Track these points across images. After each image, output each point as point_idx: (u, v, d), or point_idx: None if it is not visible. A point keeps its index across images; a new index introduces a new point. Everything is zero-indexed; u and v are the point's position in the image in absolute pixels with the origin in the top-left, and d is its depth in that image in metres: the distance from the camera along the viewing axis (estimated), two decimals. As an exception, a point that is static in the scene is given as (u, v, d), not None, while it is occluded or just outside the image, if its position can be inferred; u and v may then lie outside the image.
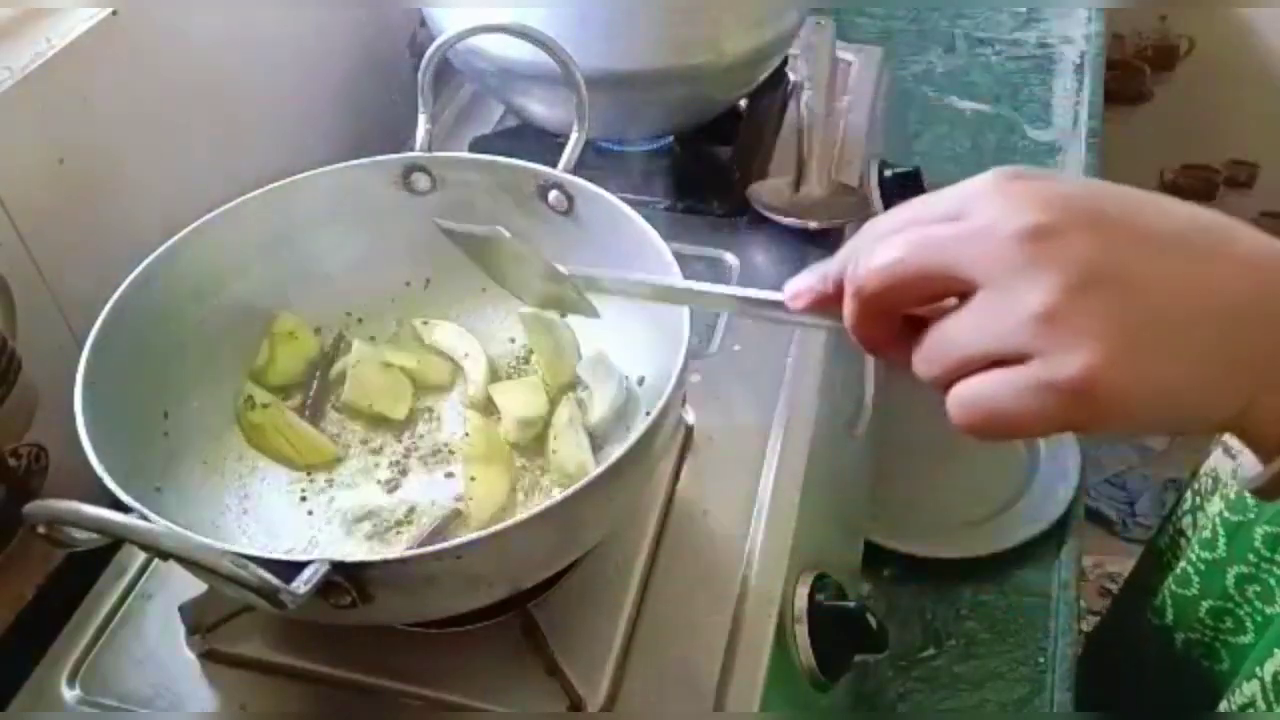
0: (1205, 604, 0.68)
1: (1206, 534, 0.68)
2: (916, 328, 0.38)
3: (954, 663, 0.76)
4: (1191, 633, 0.70)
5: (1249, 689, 0.62)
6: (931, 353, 0.37)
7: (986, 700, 0.74)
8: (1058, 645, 0.77)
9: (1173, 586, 0.72)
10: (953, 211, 0.37)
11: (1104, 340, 0.33)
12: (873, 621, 0.59)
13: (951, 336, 0.36)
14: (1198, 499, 0.75)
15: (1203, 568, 0.69)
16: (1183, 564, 0.71)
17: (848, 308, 0.39)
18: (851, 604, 0.60)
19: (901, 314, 0.39)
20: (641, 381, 0.60)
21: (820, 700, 0.60)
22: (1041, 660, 0.76)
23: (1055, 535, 0.83)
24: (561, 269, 0.52)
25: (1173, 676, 0.72)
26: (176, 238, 0.57)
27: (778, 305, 0.43)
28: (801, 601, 0.58)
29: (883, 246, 0.38)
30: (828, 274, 0.41)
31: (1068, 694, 0.74)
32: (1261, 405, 0.35)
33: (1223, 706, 0.65)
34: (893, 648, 0.61)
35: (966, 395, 0.36)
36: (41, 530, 0.42)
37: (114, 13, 0.63)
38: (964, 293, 0.36)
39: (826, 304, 0.41)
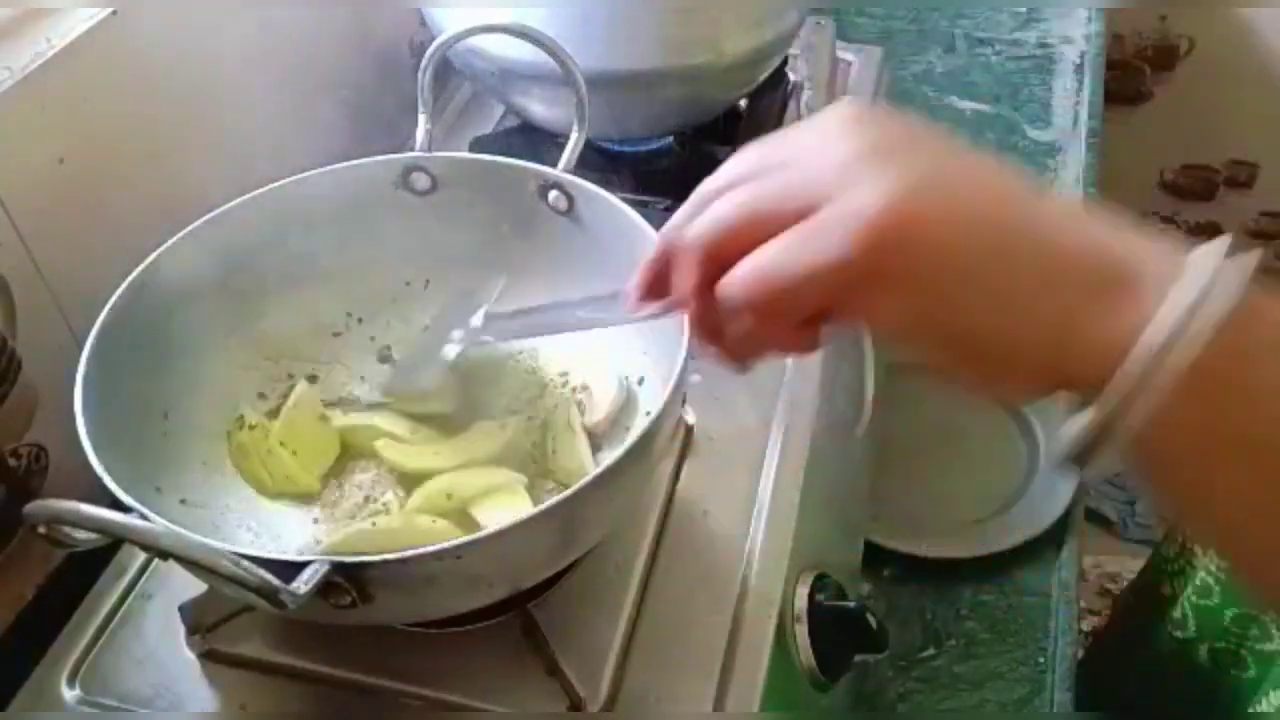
0: (1230, 612, 0.68)
1: None
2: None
3: (954, 663, 0.76)
4: (1217, 641, 0.70)
5: (1276, 697, 0.61)
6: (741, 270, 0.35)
7: (986, 700, 0.74)
8: (1058, 645, 0.77)
9: (1193, 597, 0.71)
10: (782, 162, 0.36)
11: (906, 177, 0.32)
12: (873, 621, 0.59)
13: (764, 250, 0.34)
14: None
15: (1224, 576, 0.68)
16: (1201, 574, 0.70)
17: (681, 280, 0.37)
18: (851, 604, 0.60)
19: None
20: (641, 381, 0.60)
21: (820, 700, 0.60)
22: (1041, 660, 0.76)
23: (1055, 535, 0.83)
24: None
25: (1194, 688, 0.72)
26: (176, 238, 0.57)
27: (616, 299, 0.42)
28: (801, 601, 0.58)
29: (722, 203, 0.37)
30: (654, 257, 0.40)
31: (1068, 694, 0.74)
32: (1078, 336, 0.32)
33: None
34: (893, 648, 0.61)
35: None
36: (41, 530, 0.42)
37: (114, 13, 0.63)
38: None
39: (662, 290, 0.39)
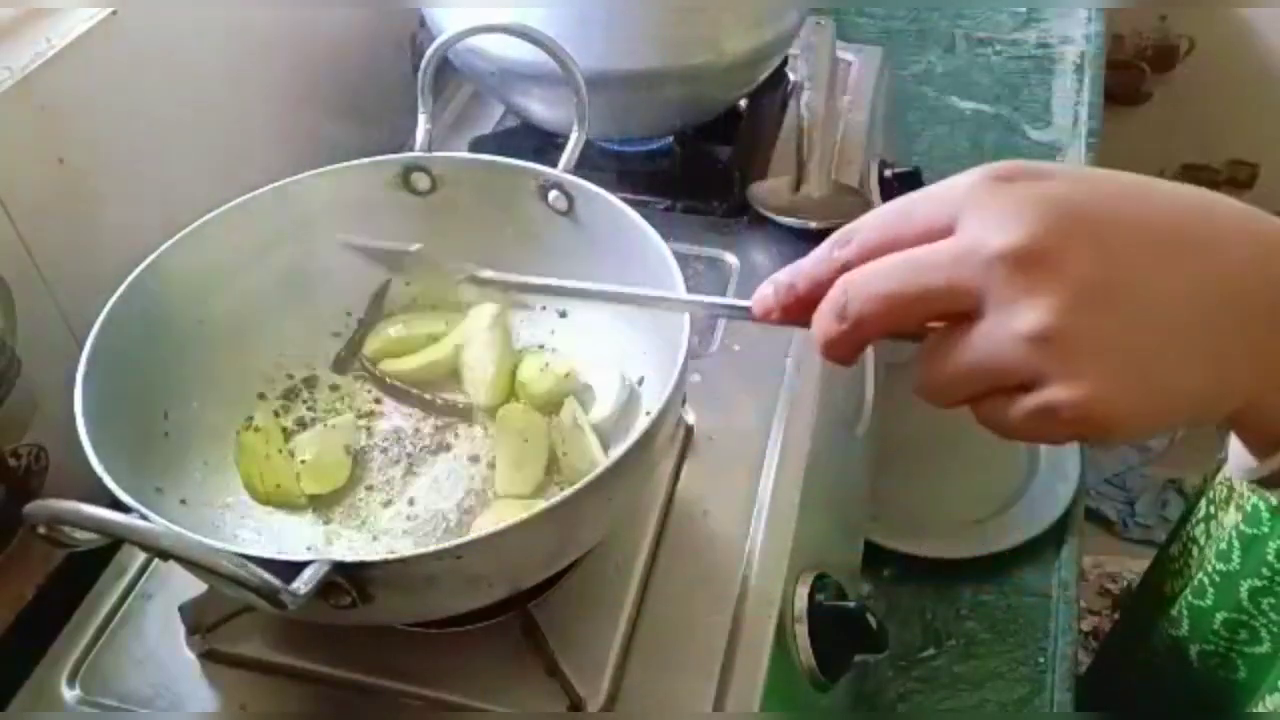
0: (1220, 615, 0.68)
1: (1223, 545, 0.68)
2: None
3: (954, 663, 0.76)
4: (1206, 644, 0.70)
5: (1272, 701, 0.62)
6: (934, 378, 0.36)
7: (986, 700, 0.74)
8: (1058, 645, 0.77)
9: (1189, 597, 0.71)
10: (939, 222, 0.36)
11: (1103, 361, 0.33)
12: (873, 621, 0.59)
13: (953, 362, 0.36)
14: (1211, 508, 0.75)
15: (1218, 579, 0.68)
16: (1199, 575, 0.70)
17: (834, 331, 0.38)
18: (851, 604, 0.60)
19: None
20: (641, 381, 0.60)
21: (820, 700, 0.60)
22: (1041, 660, 0.76)
23: (1055, 535, 0.83)
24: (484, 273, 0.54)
25: (1188, 687, 0.72)
26: (176, 238, 0.57)
27: (743, 311, 0.43)
28: (801, 601, 0.58)
29: (875, 277, 0.37)
30: (795, 287, 0.40)
31: (1068, 694, 0.74)
32: (1267, 401, 0.34)
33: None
34: (893, 648, 0.61)
35: (991, 419, 0.36)
36: (41, 530, 0.42)
37: (114, 13, 0.63)
38: (960, 314, 0.35)
39: (796, 316, 0.40)
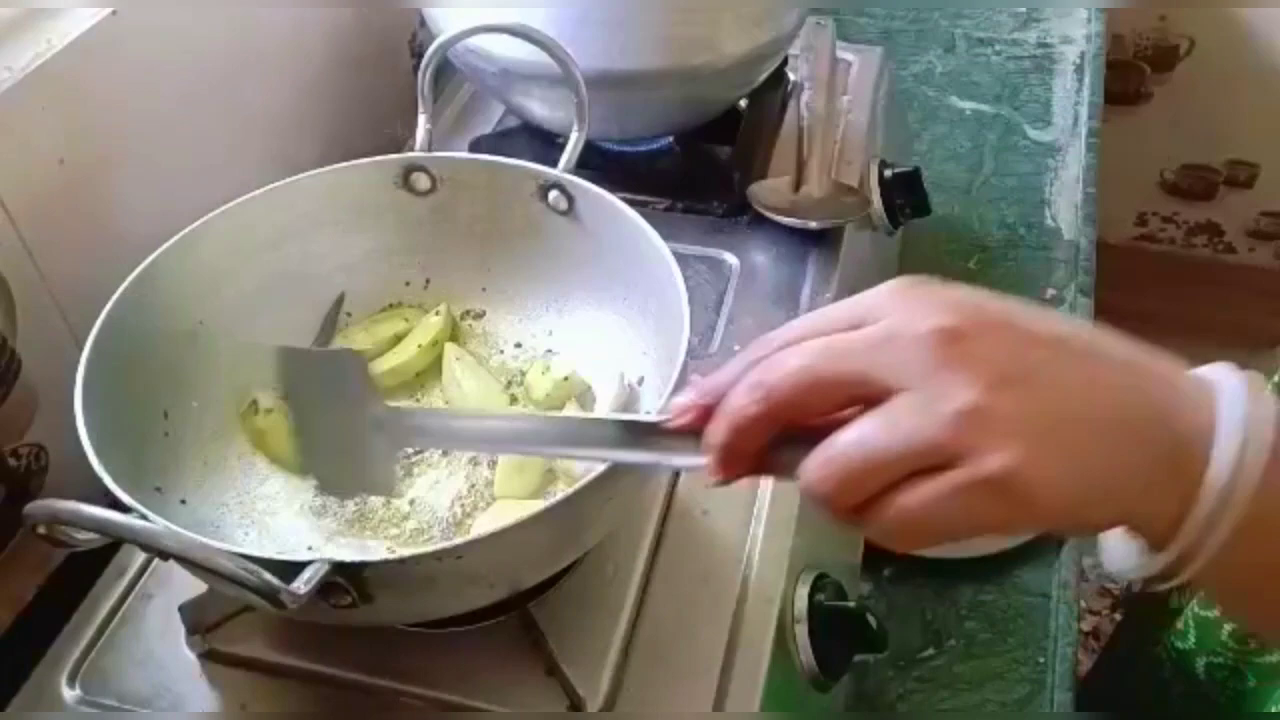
0: (1228, 625, 0.68)
1: None
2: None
3: (954, 663, 0.76)
4: (1214, 656, 0.70)
5: None
6: (839, 461, 0.36)
7: (986, 700, 0.74)
8: (1058, 645, 0.77)
9: (1195, 609, 0.71)
10: (855, 319, 0.37)
11: (1022, 437, 0.34)
12: (873, 621, 0.59)
13: (865, 441, 0.35)
14: None
15: None
16: None
17: (745, 411, 0.38)
18: (851, 604, 0.60)
19: (781, 427, 0.38)
20: (641, 381, 0.60)
21: (820, 700, 0.60)
22: (1041, 660, 0.76)
23: (1055, 535, 0.83)
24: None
25: (1195, 699, 0.72)
26: (176, 237, 0.57)
27: (653, 429, 0.42)
28: (801, 601, 0.58)
29: (791, 354, 0.37)
30: (713, 388, 0.40)
31: (1068, 694, 0.74)
32: (1150, 499, 0.36)
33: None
34: (893, 648, 0.61)
35: (898, 515, 0.35)
36: (41, 530, 0.42)
37: (114, 13, 0.63)
38: (871, 398, 0.36)
39: (707, 419, 0.40)
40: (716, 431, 0.39)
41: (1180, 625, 0.73)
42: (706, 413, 0.39)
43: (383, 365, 0.63)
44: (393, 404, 0.52)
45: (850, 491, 0.36)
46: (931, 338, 0.35)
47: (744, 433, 0.38)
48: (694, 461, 0.40)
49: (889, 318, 0.37)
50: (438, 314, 0.64)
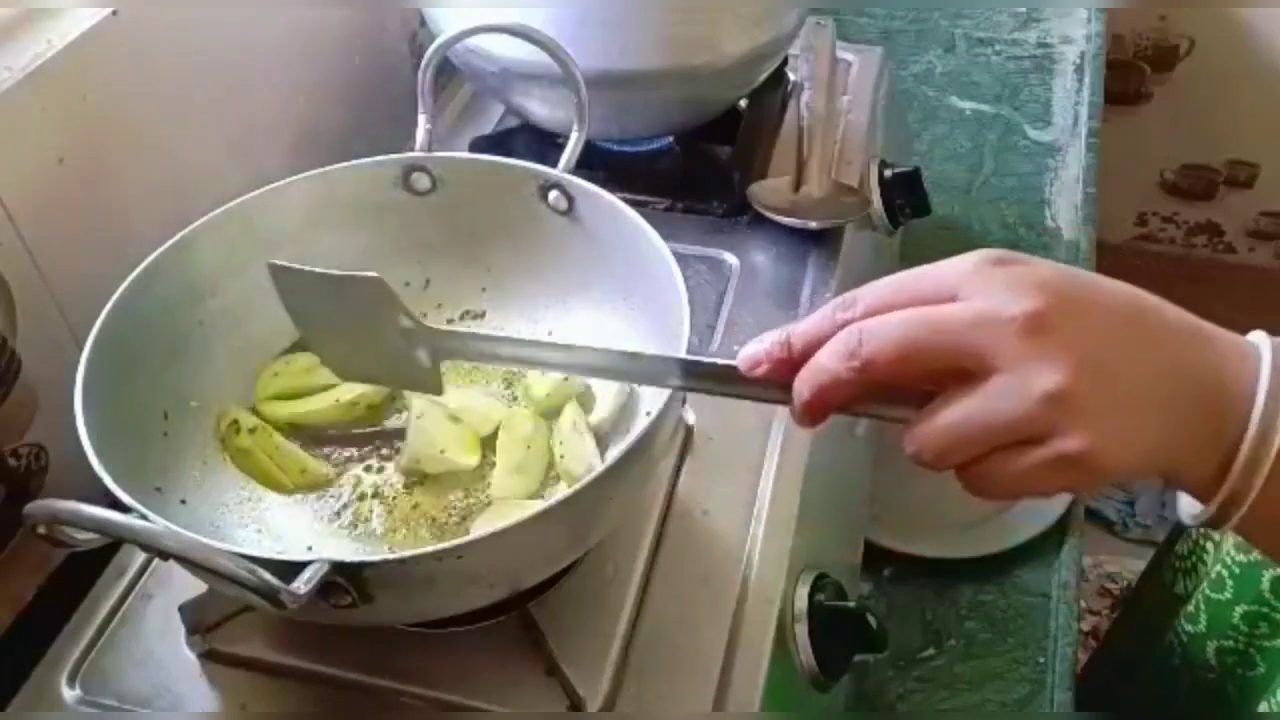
0: (1239, 609, 0.68)
1: (1241, 538, 0.68)
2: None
3: (954, 663, 0.76)
4: (1225, 639, 0.70)
5: None
6: (943, 434, 0.40)
7: (986, 700, 0.74)
8: (1058, 645, 0.77)
9: (1207, 591, 0.71)
10: (943, 294, 0.40)
11: (1098, 420, 0.39)
12: (873, 621, 0.59)
13: (969, 419, 0.39)
14: None
15: (1237, 571, 0.68)
16: (1217, 568, 0.70)
17: (839, 371, 0.41)
18: (851, 604, 0.60)
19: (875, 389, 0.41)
20: (641, 381, 0.60)
21: (820, 700, 0.60)
22: (1041, 660, 0.76)
23: (1055, 535, 0.83)
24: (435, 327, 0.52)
25: (1202, 687, 0.72)
26: (177, 237, 0.57)
27: (729, 372, 0.44)
28: (801, 601, 0.58)
29: (891, 325, 0.40)
30: (789, 343, 0.43)
31: (1068, 694, 0.74)
32: (1193, 458, 0.41)
33: (1262, 708, 0.65)
34: (893, 648, 0.61)
35: (990, 477, 0.40)
36: (41, 530, 0.42)
37: (114, 13, 0.63)
38: (960, 374, 0.39)
39: (783, 374, 0.43)
40: (806, 389, 0.42)
41: (1191, 609, 0.73)
42: (777, 367, 0.43)
43: (290, 409, 0.61)
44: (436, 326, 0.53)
45: (949, 460, 0.41)
46: (1022, 323, 0.38)
47: (836, 391, 0.41)
48: (768, 398, 0.44)
49: (979, 297, 0.40)
50: None
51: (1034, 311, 0.39)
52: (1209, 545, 0.76)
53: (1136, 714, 0.83)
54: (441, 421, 0.59)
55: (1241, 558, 0.68)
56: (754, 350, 0.43)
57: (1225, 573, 0.69)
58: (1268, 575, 0.66)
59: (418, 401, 0.59)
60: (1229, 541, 0.70)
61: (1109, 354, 0.39)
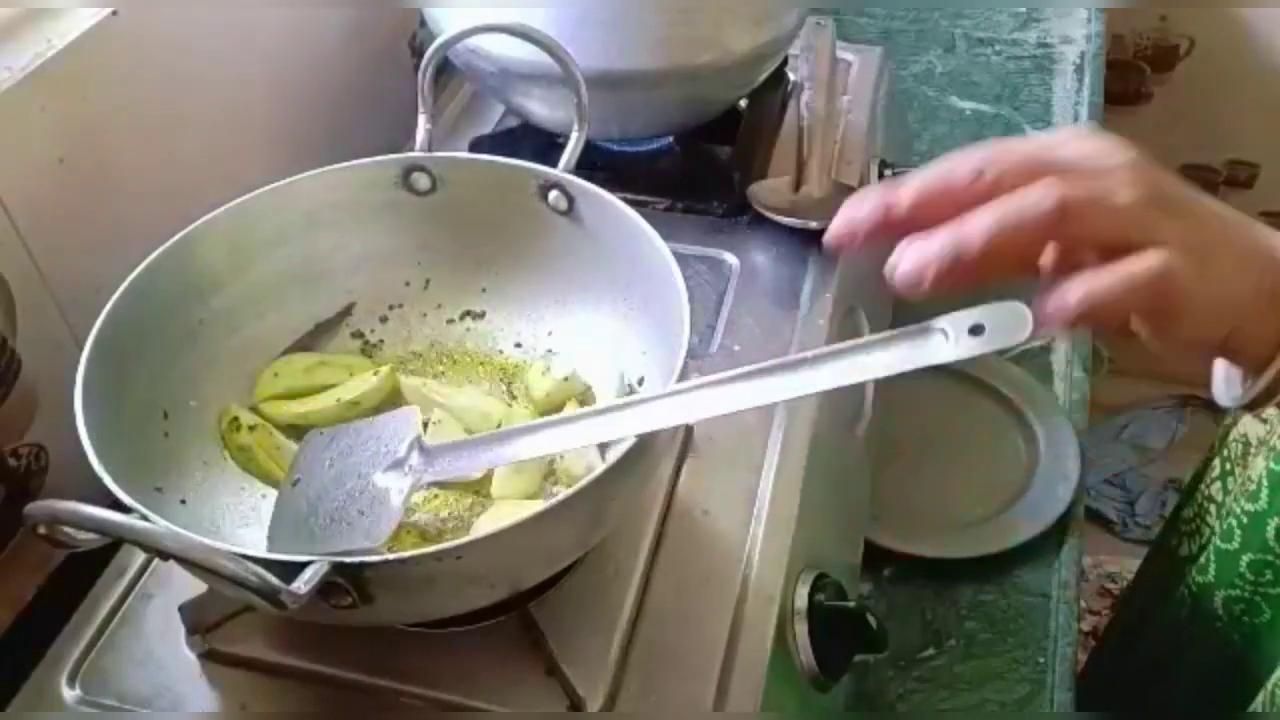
0: (1246, 558, 0.69)
1: (1251, 488, 0.68)
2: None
3: (954, 663, 0.76)
4: (1232, 589, 0.71)
5: None
6: (1087, 303, 0.42)
7: (986, 700, 0.74)
8: (1058, 645, 0.77)
9: (1218, 543, 0.72)
10: (1085, 163, 0.44)
11: (1182, 250, 0.42)
12: (873, 621, 0.59)
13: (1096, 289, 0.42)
14: (1228, 465, 0.76)
15: (1245, 520, 0.69)
16: (1228, 520, 0.71)
17: (1015, 215, 0.42)
18: (851, 604, 0.60)
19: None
20: (641, 381, 0.60)
21: (820, 700, 0.60)
22: (1041, 660, 0.76)
23: (1055, 535, 0.83)
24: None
25: (1211, 639, 0.73)
26: (176, 238, 0.57)
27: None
28: (801, 601, 0.58)
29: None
30: (895, 199, 0.45)
31: (1068, 694, 0.74)
32: (1258, 329, 0.45)
33: (1266, 694, 0.65)
34: (893, 648, 0.61)
35: (1080, 291, 0.42)
36: (41, 530, 0.42)
37: (114, 13, 0.63)
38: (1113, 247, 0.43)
39: (890, 231, 0.45)
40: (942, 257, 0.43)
41: (1202, 560, 0.74)
42: (883, 225, 0.45)
43: (290, 409, 0.61)
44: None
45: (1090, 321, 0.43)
46: (1150, 202, 0.43)
47: (1000, 235, 0.43)
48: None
49: (1119, 179, 0.43)
50: (376, 374, 0.61)
51: (1158, 193, 0.43)
52: (1211, 507, 0.76)
53: (1136, 712, 0.84)
54: (443, 421, 0.59)
55: (1250, 506, 0.68)
56: (850, 218, 0.45)
57: (1235, 523, 0.70)
58: (1273, 524, 0.66)
59: (418, 401, 0.59)
60: (1235, 497, 0.71)
61: (1208, 211, 0.45)
